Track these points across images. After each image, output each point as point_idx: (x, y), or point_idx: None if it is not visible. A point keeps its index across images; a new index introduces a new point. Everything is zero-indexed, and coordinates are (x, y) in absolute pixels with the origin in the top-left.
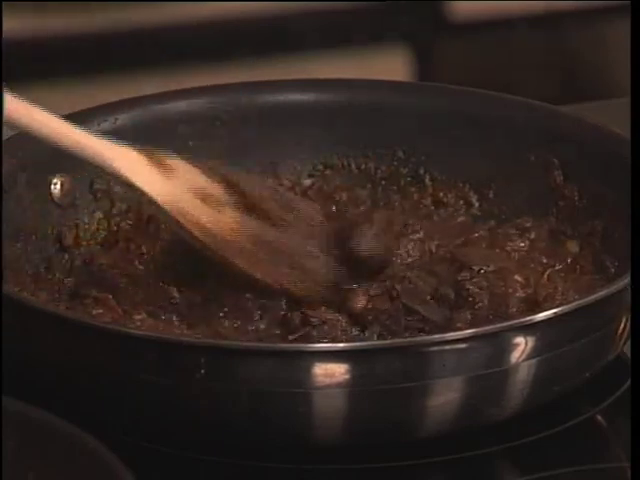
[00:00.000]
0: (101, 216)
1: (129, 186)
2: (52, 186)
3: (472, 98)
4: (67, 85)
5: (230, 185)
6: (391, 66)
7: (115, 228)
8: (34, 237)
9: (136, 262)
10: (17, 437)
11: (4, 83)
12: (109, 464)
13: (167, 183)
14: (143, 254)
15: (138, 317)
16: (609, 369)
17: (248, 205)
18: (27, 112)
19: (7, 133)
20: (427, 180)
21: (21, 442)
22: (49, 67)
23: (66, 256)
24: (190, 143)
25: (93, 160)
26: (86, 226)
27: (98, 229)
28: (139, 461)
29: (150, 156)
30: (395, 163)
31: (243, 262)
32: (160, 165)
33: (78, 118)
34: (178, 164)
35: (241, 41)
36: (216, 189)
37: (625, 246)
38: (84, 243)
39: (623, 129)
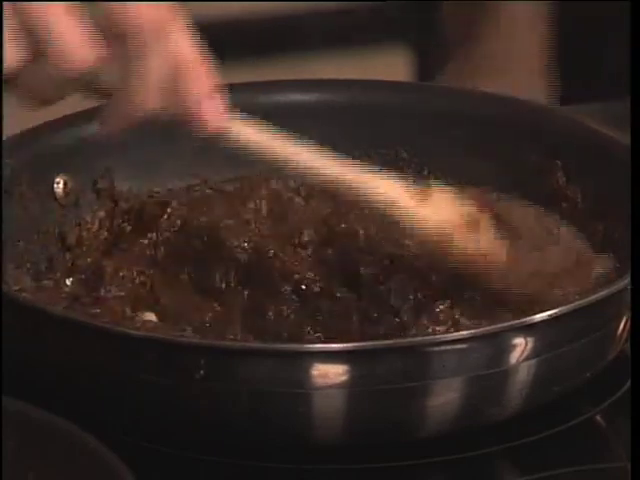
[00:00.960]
0: (103, 216)
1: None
2: (55, 185)
3: (473, 98)
4: None
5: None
6: (392, 66)
7: (117, 228)
8: (36, 236)
9: (138, 262)
10: (17, 437)
11: None
12: (110, 464)
13: (430, 210)
14: (145, 254)
15: (139, 318)
16: (609, 369)
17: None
18: (292, 149)
19: (8, 132)
20: (431, 181)
21: (21, 442)
22: None
23: (68, 256)
24: (194, 143)
25: (348, 192)
26: (88, 226)
27: (100, 229)
28: (139, 461)
29: (405, 185)
30: (400, 164)
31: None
32: (420, 192)
33: (84, 117)
34: (437, 190)
35: (242, 41)
36: (478, 215)
37: (625, 247)
38: (86, 243)
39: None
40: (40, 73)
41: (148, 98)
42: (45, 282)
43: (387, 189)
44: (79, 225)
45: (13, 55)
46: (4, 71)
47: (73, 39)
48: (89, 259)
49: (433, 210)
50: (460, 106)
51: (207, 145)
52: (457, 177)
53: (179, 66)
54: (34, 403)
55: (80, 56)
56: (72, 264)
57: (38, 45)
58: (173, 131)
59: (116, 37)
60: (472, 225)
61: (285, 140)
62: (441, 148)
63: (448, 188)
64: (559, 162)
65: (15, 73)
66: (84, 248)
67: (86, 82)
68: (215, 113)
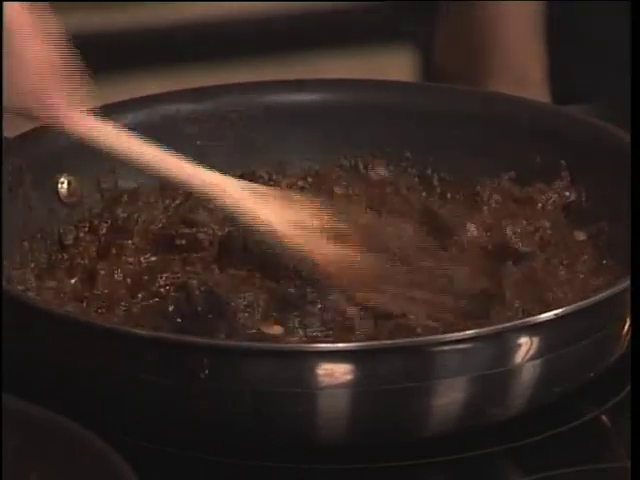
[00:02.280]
0: (106, 215)
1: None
2: (59, 185)
3: (477, 98)
4: None
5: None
6: (397, 66)
7: (119, 227)
8: (39, 236)
9: (141, 261)
10: (20, 436)
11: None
12: (113, 464)
13: (281, 213)
14: (147, 254)
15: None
16: (613, 369)
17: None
18: (129, 143)
19: (13, 132)
20: (435, 181)
21: (24, 441)
22: None
23: (71, 256)
24: (198, 142)
25: (201, 193)
26: (92, 225)
27: (102, 228)
28: (142, 461)
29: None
30: (403, 164)
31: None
32: (289, 199)
33: None
34: (273, 194)
35: (248, 41)
36: (309, 220)
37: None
38: (89, 242)
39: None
40: None
41: (10, 98)
42: (48, 282)
43: (231, 190)
44: (83, 225)
45: None
46: None
47: None
48: (91, 259)
49: (274, 211)
50: (463, 106)
51: (213, 145)
52: (463, 177)
53: (39, 69)
54: (36, 403)
55: None
56: (74, 264)
57: None
58: (175, 131)
59: None
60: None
61: (136, 140)
62: (444, 147)
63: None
64: (563, 162)
65: None
66: (86, 248)
67: None
68: (63, 104)
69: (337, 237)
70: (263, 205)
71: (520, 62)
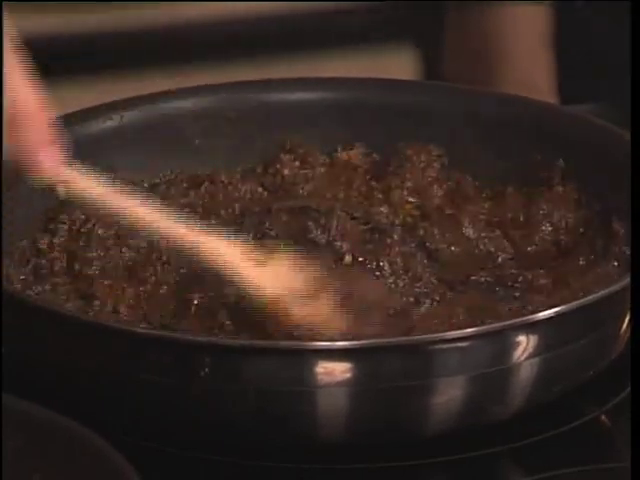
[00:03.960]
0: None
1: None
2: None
3: (478, 97)
4: (72, 84)
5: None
6: (398, 66)
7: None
8: (39, 235)
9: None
10: (23, 437)
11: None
12: (116, 464)
13: (266, 276)
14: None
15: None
16: (613, 369)
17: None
18: (128, 204)
19: None
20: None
21: (27, 442)
22: (52, 66)
23: (70, 254)
24: (196, 141)
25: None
26: (91, 224)
27: (101, 227)
28: (143, 461)
29: (247, 248)
30: (402, 163)
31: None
32: (260, 258)
33: (84, 116)
34: (277, 258)
35: (248, 40)
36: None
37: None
38: (88, 240)
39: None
40: None
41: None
42: (47, 281)
43: (225, 251)
44: (82, 223)
45: None
46: None
47: None
48: (92, 257)
49: (271, 275)
50: (464, 105)
51: (212, 143)
52: (465, 175)
53: (15, 111)
54: (37, 403)
55: None
56: (75, 263)
57: None
58: (173, 129)
59: None
60: (310, 292)
61: (122, 195)
62: (444, 146)
63: (289, 255)
64: (563, 161)
65: None
66: (87, 246)
67: None
68: (51, 162)
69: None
70: (258, 272)
71: (527, 69)
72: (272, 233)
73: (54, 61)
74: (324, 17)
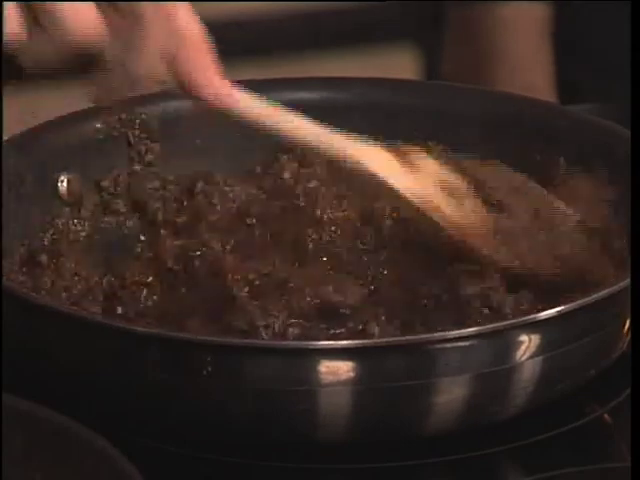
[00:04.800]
0: (107, 214)
1: (379, 183)
2: (59, 184)
3: (479, 97)
4: (73, 83)
5: (470, 177)
6: (399, 66)
7: (122, 226)
8: (41, 234)
9: (144, 260)
10: (25, 436)
11: None
12: (118, 464)
13: (414, 179)
14: (151, 253)
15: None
16: (615, 369)
17: (485, 195)
18: (274, 116)
19: (11, 131)
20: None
21: (29, 442)
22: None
23: (72, 254)
24: (197, 141)
25: (341, 158)
26: (93, 224)
27: (102, 227)
28: (144, 460)
29: (394, 153)
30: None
31: (483, 245)
32: (405, 161)
33: (85, 115)
34: (421, 159)
35: (248, 40)
36: (458, 182)
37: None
38: (90, 241)
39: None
40: (44, 45)
41: (149, 69)
42: (48, 280)
43: (374, 158)
44: (83, 224)
45: (15, 27)
46: (6, 42)
47: (74, 11)
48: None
49: (420, 178)
50: (466, 104)
51: (214, 143)
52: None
53: (180, 38)
54: (39, 402)
55: (82, 29)
56: (77, 262)
57: (40, 18)
58: (175, 129)
59: (116, 9)
60: (456, 192)
61: (286, 113)
62: (447, 146)
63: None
64: (563, 160)
65: (20, 45)
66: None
67: (89, 55)
68: (219, 84)
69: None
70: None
71: (526, 69)
72: None
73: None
74: (325, 17)
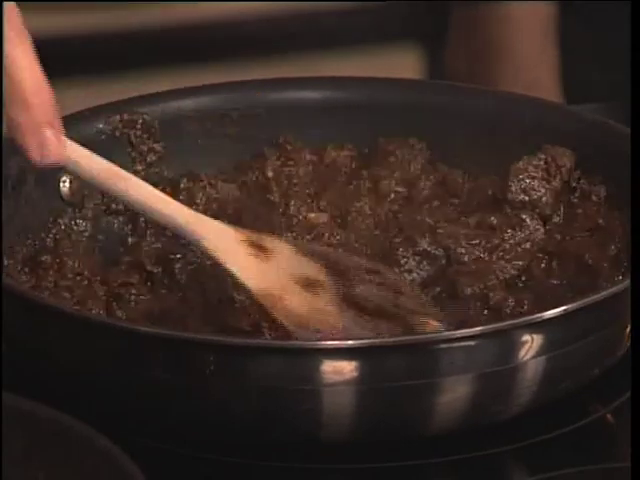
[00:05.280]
0: (109, 214)
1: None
2: (61, 184)
3: (482, 96)
4: (73, 84)
5: (330, 264)
6: (403, 65)
7: (124, 226)
8: (43, 234)
9: (145, 261)
10: (27, 436)
11: None
12: (120, 463)
13: (259, 267)
14: (151, 253)
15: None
16: (618, 369)
17: (346, 284)
18: (113, 176)
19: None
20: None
21: (31, 441)
22: (52, 66)
23: (75, 253)
24: (199, 141)
25: (180, 232)
26: (95, 224)
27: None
28: (147, 460)
29: (248, 235)
30: (409, 161)
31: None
32: (258, 246)
33: (86, 115)
34: (277, 246)
35: (250, 39)
36: (315, 272)
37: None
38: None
39: None
40: None
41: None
42: (51, 280)
43: (220, 237)
44: (85, 224)
45: None
46: None
47: None
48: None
49: (268, 266)
50: (467, 104)
51: (215, 143)
52: (466, 174)
53: (13, 89)
54: (42, 402)
55: None
56: (80, 262)
57: None
58: (176, 129)
59: None
60: (310, 285)
61: (123, 174)
62: (453, 146)
63: (287, 244)
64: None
65: None
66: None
67: None
68: (52, 143)
69: (307, 285)
70: (252, 262)
71: (531, 68)
72: None
73: (54, 61)
74: (327, 16)
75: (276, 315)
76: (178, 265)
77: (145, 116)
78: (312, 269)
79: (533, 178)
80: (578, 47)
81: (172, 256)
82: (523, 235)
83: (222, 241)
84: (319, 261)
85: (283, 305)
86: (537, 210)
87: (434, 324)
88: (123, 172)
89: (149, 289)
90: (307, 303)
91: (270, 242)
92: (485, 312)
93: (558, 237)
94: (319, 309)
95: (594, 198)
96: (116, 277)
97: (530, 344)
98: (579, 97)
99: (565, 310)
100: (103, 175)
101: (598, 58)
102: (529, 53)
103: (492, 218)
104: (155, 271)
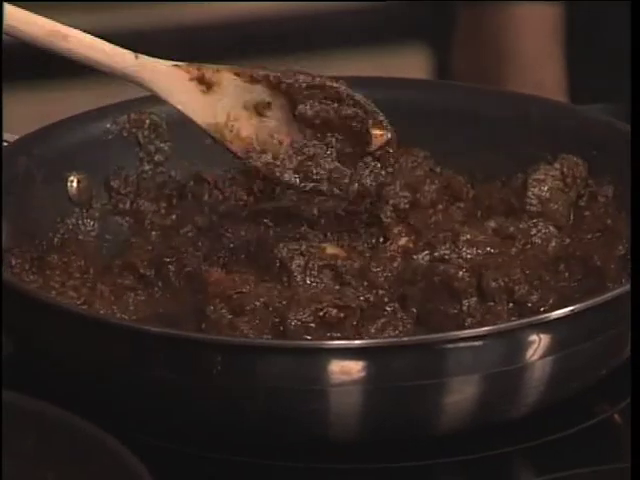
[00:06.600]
0: (116, 214)
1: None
2: (68, 184)
3: (488, 96)
4: (81, 83)
5: (274, 85)
6: (409, 65)
7: (127, 227)
8: (50, 234)
9: (146, 261)
10: (36, 436)
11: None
12: (128, 462)
13: (207, 100)
14: (151, 253)
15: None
16: (626, 368)
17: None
18: (54, 34)
19: (22, 131)
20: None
21: (40, 441)
22: (52, 66)
23: (83, 253)
24: (207, 141)
25: (127, 79)
26: (102, 223)
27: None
28: (155, 460)
29: (190, 71)
30: (414, 161)
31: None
32: (207, 83)
33: (94, 115)
34: (224, 77)
35: (256, 39)
36: (261, 95)
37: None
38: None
39: None
40: None
41: None
42: (58, 280)
43: (166, 78)
44: (93, 223)
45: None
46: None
47: None
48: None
49: (214, 98)
50: (477, 104)
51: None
52: (471, 174)
53: None
54: (49, 402)
55: None
56: (86, 261)
57: None
58: (182, 129)
59: None
60: (257, 108)
61: (64, 32)
62: (457, 146)
63: (231, 73)
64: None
65: None
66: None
67: None
68: None
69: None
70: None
71: (537, 68)
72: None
73: (55, 61)
74: (333, 16)
75: (227, 145)
76: (172, 268)
77: (153, 116)
78: (257, 93)
79: (550, 189)
80: (583, 47)
81: (167, 259)
82: (538, 244)
83: (167, 82)
84: (263, 83)
85: (233, 133)
86: (552, 221)
87: (379, 133)
88: (63, 28)
89: (145, 291)
90: (256, 126)
91: (215, 74)
92: (510, 305)
93: (567, 240)
94: (268, 129)
95: (601, 199)
96: (115, 278)
97: (537, 344)
98: (585, 97)
99: (572, 310)
100: (43, 35)
101: (604, 58)
102: (535, 53)
103: (511, 228)
104: (148, 274)
